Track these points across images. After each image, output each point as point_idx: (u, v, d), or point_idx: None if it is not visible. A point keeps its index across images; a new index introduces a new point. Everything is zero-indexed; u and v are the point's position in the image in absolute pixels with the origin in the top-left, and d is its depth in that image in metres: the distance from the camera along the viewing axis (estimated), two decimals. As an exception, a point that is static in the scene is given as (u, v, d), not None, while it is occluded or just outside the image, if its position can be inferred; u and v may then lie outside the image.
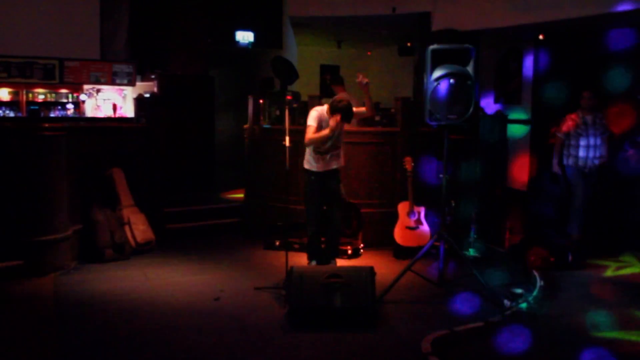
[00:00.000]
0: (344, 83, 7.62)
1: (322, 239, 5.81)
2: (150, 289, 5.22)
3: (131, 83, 9.74)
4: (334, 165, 5.58)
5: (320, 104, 6.95)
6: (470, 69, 4.99)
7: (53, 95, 9.33)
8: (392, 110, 7.10)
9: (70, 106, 9.40)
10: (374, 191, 6.83)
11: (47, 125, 6.62)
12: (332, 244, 5.77)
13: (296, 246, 6.50)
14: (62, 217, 5.85)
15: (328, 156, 5.52)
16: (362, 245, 6.53)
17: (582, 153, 6.46)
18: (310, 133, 5.35)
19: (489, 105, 9.19)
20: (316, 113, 5.45)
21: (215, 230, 7.57)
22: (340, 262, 5.98)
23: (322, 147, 5.48)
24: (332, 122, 5.26)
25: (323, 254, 5.76)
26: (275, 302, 4.82)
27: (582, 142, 6.44)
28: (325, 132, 5.30)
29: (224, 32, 10.60)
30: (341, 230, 5.79)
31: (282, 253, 5.26)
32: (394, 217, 6.43)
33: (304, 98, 7.48)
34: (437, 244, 5.35)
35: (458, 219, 6.55)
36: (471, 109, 4.97)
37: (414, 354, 3.84)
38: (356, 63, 11.51)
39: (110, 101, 9.75)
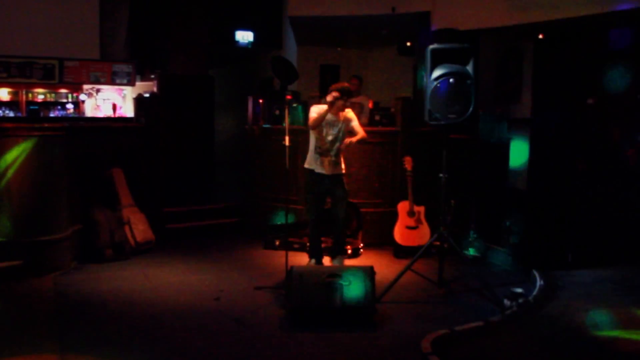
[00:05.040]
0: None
1: (322, 239, 5.82)
2: (150, 289, 5.22)
3: (131, 83, 9.74)
4: (335, 171, 5.57)
5: (320, 104, 6.97)
6: (470, 68, 4.99)
7: (53, 95, 9.34)
8: (392, 110, 7.09)
9: (70, 106, 9.40)
10: (374, 191, 6.83)
11: (46, 125, 6.62)
12: (338, 242, 5.78)
13: (296, 246, 6.50)
14: (62, 217, 5.84)
15: (328, 160, 5.51)
16: (362, 245, 6.53)
17: None
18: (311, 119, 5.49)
19: (488, 105, 9.17)
20: (317, 108, 5.54)
21: (215, 230, 7.57)
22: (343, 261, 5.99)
23: (323, 147, 5.49)
24: (329, 97, 5.43)
25: (332, 251, 5.80)
26: (275, 302, 4.82)
27: None
28: (324, 109, 5.40)
29: (224, 32, 10.59)
30: (346, 230, 5.79)
31: (282, 253, 5.26)
32: (394, 217, 6.43)
33: (304, 98, 7.48)
34: (437, 243, 5.35)
35: (458, 219, 6.55)
36: (471, 109, 4.97)
37: (414, 354, 3.84)
38: (356, 63, 11.49)
39: (110, 101, 9.75)
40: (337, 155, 5.56)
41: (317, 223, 5.68)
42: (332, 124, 5.51)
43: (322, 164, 5.53)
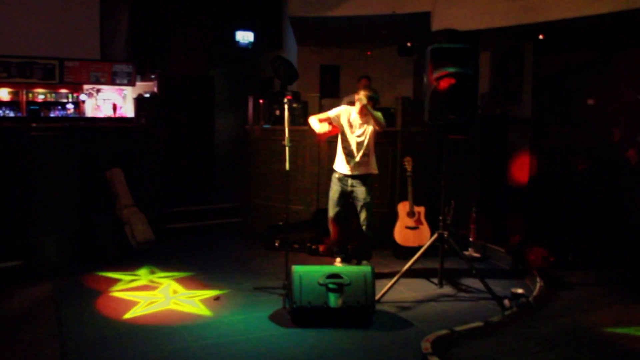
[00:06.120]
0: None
1: (324, 239, 5.82)
2: (149, 289, 5.22)
3: (131, 83, 9.74)
4: (361, 171, 5.53)
5: (320, 104, 6.97)
6: (470, 69, 4.98)
7: (53, 95, 9.34)
8: (392, 110, 7.09)
9: (70, 106, 9.40)
10: (373, 191, 6.81)
11: (47, 125, 6.63)
12: (363, 246, 5.75)
13: (296, 246, 6.50)
14: (62, 217, 5.85)
15: (354, 160, 5.50)
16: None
17: None
18: (317, 115, 5.54)
19: (488, 105, 9.18)
20: (343, 107, 5.57)
21: (215, 230, 7.58)
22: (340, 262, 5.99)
23: (347, 148, 5.49)
24: (357, 101, 5.44)
25: (358, 255, 5.78)
26: (275, 302, 4.82)
27: None
28: (324, 127, 5.43)
29: (224, 32, 10.59)
30: (371, 234, 5.73)
31: (282, 253, 5.26)
32: (394, 217, 6.43)
33: (304, 98, 7.48)
34: (437, 244, 5.35)
35: (458, 219, 6.55)
36: (471, 109, 4.97)
37: (414, 354, 3.84)
38: (356, 63, 11.49)
39: (110, 101, 9.75)
40: (364, 156, 5.52)
41: (337, 219, 5.64)
42: (356, 125, 5.49)
43: (347, 163, 5.53)
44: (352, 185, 5.56)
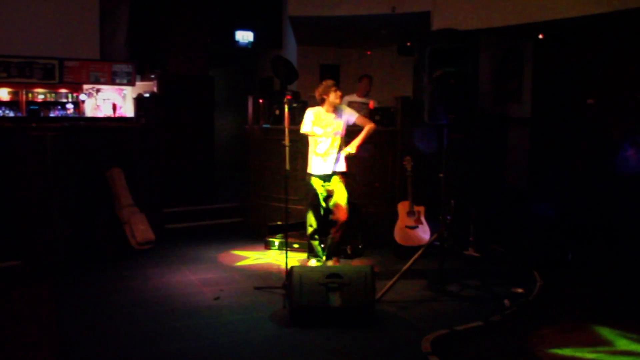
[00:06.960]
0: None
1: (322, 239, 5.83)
2: (150, 289, 5.22)
3: (131, 83, 9.74)
4: (335, 169, 5.56)
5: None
6: (469, 68, 4.99)
7: (53, 95, 9.33)
8: (392, 110, 7.09)
9: (70, 106, 9.40)
10: (374, 191, 6.83)
11: (47, 125, 6.63)
12: (335, 243, 5.74)
13: (296, 246, 6.50)
14: (62, 216, 5.85)
15: (328, 159, 5.51)
16: (362, 244, 6.53)
17: None
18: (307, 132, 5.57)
19: (488, 104, 9.18)
20: (311, 114, 5.56)
21: (215, 230, 7.58)
22: (340, 262, 5.98)
23: (322, 147, 5.49)
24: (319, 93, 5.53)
25: (328, 252, 5.78)
26: (275, 302, 4.82)
27: None
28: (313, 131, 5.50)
29: (224, 32, 10.60)
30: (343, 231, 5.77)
31: (282, 253, 5.26)
32: (394, 217, 6.43)
33: (304, 98, 7.48)
34: (437, 243, 5.35)
35: (458, 219, 6.55)
36: (470, 109, 4.97)
37: (414, 354, 3.84)
38: (356, 63, 11.50)
39: (110, 101, 9.75)
40: (337, 153, 5.54)
41: (317, 224, 5.67)
42: (327, 123, 5.50)
43: (322, 163, 5.53)
44: (332, 183, 5.57)
